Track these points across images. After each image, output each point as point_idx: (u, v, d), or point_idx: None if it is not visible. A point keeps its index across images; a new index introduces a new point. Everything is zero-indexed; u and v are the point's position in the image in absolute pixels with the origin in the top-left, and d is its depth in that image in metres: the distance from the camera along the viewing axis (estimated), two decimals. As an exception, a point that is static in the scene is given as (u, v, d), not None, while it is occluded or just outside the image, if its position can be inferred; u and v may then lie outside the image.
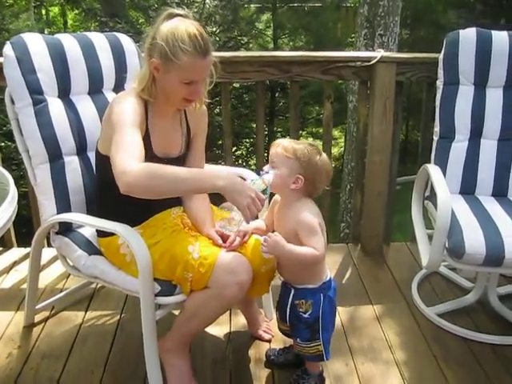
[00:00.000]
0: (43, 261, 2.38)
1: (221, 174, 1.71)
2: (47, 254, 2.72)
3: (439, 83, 2.65)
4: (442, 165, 2.59)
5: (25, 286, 2.40)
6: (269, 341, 2.33)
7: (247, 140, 11.22)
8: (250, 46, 11.80)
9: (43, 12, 14.32)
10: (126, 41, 2.38)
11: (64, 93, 2.17)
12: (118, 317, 2.51)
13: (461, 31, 2.63)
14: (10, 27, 9.07)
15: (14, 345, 2.30)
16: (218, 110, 8.70)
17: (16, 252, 3.06)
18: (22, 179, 4.27)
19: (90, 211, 2.13)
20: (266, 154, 2.88)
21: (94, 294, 2.66)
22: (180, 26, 1.80)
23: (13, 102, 2.09)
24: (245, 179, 1.77)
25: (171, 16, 1.83)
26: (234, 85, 9.02)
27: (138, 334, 1.90)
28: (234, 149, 10.06)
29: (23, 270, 2.83)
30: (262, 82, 3.06)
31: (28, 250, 2.36)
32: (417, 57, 3.08)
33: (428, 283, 2.85)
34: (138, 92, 1.89)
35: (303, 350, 1.98)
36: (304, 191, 1.85)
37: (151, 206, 1.91)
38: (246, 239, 1.94)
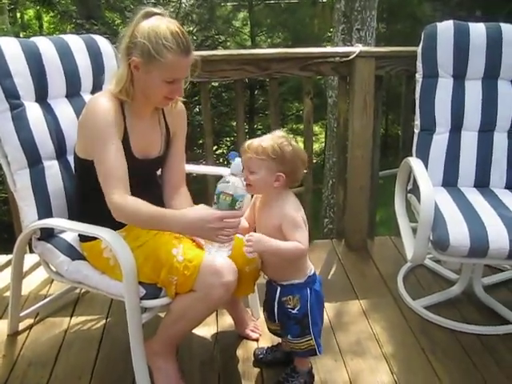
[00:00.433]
0: (26, 267, 2.35)
1: (185, 219, 1.75)
2: (29, 260, 2.67)
3: (418, 76, 2.66)
4: (424, 157, 2.60)
5: (8, 293, 2.36)
6: (256, 340, 2.32)
7: (228, 139, 11.18)
8: (228, 44, 11.76)
9: (18, 15, 14.21)
10: (102, 42, 2.36)
11: (41, 96, 2.14)
12: (104, 321, 2.48)
13: (438, 24, 2.64)
14: (-16, 31, 8.98)
15: (-1, 354, 2.28)
16: (197, 110, 8.65)
17: (-3, 259, 3.01)
18: (1, 185, 4.21)
19: (72, 216, 2.10)
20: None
21: (78, 300, 2.63)
22: (161, 24, 1.78)
23: (-11, 107, 2.05)
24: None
25: (149, 15, 1.82)
26: (213, 84, 8.98)
27: (125, 339, 1.88)
28: (215, 148, 10.02)
29: (5, 277, 2.77)
30: (240, 80, 3.06)
31: (10, 256, 2.32)
32: (395, 50, 3.10)
33: (413, 276, 2.86)
34: (116, 93, 1.87)
35: (295, 346, 1.97)
36: (286, 184, 1.85)
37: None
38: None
